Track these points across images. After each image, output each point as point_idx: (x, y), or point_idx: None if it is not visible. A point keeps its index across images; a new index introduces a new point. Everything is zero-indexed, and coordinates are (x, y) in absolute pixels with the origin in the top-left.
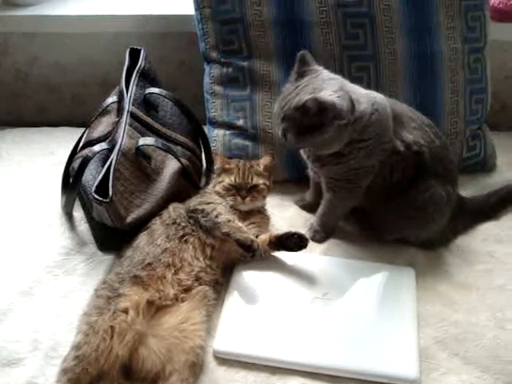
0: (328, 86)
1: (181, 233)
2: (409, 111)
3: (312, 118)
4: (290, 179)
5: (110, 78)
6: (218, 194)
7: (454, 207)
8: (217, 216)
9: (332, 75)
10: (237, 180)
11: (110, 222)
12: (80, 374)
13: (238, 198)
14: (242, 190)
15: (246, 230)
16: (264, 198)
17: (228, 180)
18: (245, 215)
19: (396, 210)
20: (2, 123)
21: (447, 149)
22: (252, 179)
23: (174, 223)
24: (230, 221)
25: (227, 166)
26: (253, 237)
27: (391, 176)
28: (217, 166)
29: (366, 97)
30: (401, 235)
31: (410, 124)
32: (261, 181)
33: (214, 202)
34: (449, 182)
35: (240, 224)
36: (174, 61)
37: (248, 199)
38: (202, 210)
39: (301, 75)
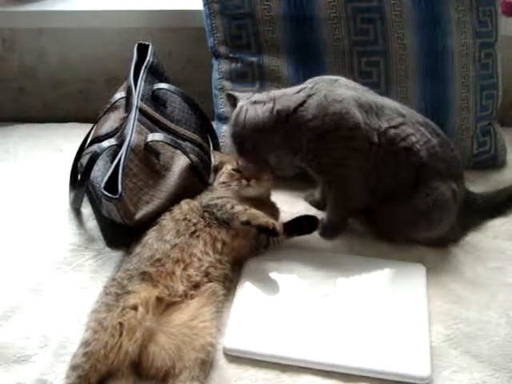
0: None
1: (192, 229)
2: (399, 107)
3: None
4: (300, 175)
5: (117, 74)
6: (223, 184)
7: (464, 203)
8: (232, 207)
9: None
10: (240, 164)
11: (119, 219)
12: (89, 370)
13: (243, 181)
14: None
15: (264, 215)
16: (268, 181)
17: (230, 166)
18: (256, 207)
19: (401, 216)
20: (9, 119)
21: (448, 145)
22: None
23: (184, 219)
24: (246, 209)
25: (225, 159)
26: (273, 220)
27: (378, 172)
28: (215, 162)
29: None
30: (408, 237)
31: (395, 118)
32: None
33: (225, 195)
34: (453, 179)
35: (256, 211)
36: (182, 56)
37: (253, 181)
38: (216, 205)
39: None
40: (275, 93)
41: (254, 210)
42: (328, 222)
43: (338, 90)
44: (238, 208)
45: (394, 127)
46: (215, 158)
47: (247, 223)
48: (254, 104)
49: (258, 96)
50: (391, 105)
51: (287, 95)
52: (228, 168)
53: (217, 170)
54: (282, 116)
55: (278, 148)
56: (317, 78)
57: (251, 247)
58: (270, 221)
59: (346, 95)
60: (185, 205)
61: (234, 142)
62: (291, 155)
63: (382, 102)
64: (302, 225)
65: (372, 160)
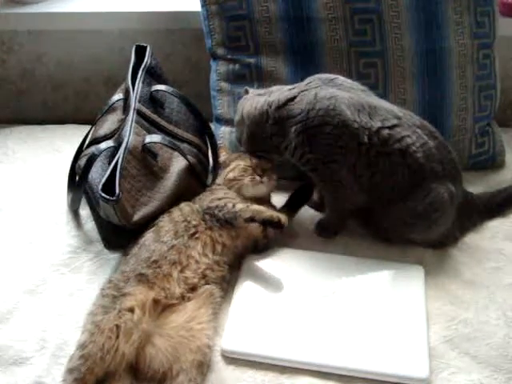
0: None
1: (192, 230)
2: (396, 110)
3: None
4: (299, 177)
5: (115, 76)
6: (232, 181)
7: (461, 204)
8: (234, 206)
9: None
10: (253, 161)
11: (116, 221)
12: (86, 373)
13: (257, 177)
14: (258, 170)
15: (267, 209)
16: (273, 180)
17: (244, 162)
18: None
19: (398, 217)
20: (8, 121)
21: (446, 148)
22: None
23: (184, 221)
24: (248, 206)
25: (232, 157)
26: (277, 212)
27: (371, 172)
28: (222, 158)
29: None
30: (406, 238)
31: (390, 119)
32: (270, 164)
33: (225, 196)
34: (450, 180)
35: (258, 206)
36: (180, 58)
37: (265, 178)
38: (217, 206)
39: None
40: (274, 87)
41: (256, 206)
42: (325, 221)
43: (330, 88)
44: (240, 206)
45: (388, 128)
46: (222, 155)
47: (251, 219)
48: (255, 96)
49: (263, 90)
50: (388, 107)
51: (282, 90)
52: (241, 164)
53: (217, 169)
54: (272, 107)
55: (270, 140)
56: (314, 76)
57: (254, 242)
58: (275, 214)
59: (336, 93)
60: (185, 207)
61: (236, 131)
62: (282, 150)
63: (378, 103)
64: (299, 195)
65: (363, 159)
